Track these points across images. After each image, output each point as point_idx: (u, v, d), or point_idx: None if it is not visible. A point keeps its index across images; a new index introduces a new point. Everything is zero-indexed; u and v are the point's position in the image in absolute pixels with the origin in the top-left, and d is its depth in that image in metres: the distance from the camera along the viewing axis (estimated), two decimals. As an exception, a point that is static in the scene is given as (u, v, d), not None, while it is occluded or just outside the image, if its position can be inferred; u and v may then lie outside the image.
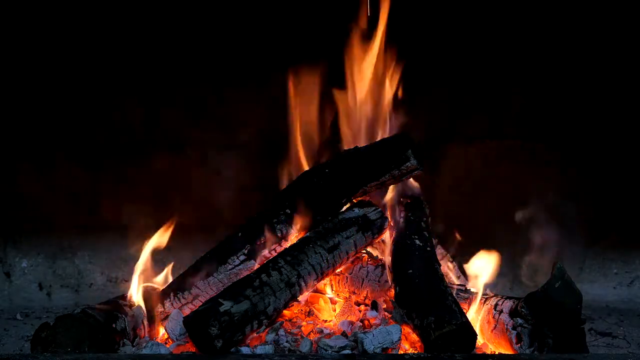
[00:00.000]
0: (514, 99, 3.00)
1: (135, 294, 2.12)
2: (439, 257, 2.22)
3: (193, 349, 1.89)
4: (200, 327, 1.80)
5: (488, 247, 2.31)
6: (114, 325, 1.95)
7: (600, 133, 3.02)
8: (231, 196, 2.90)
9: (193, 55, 2.94)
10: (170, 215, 2.34)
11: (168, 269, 2.29)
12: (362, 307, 2.19)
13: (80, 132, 2.98)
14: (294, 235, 2.19)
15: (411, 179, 2.36)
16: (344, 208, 2.22)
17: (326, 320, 2.14)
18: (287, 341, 1.93)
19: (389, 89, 2.43)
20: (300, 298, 2.08)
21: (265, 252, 2.17)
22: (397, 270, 2.09)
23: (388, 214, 2.31)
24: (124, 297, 2.14)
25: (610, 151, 3.03)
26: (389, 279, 2.15)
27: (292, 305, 2.08)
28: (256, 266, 2.12)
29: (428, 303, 1.87)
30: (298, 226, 2.18)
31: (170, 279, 2.26)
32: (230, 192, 2.92)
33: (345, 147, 2.37)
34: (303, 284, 2.00)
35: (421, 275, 2.00)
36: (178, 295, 2.15)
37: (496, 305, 2.00)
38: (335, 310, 2.19)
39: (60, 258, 3.03)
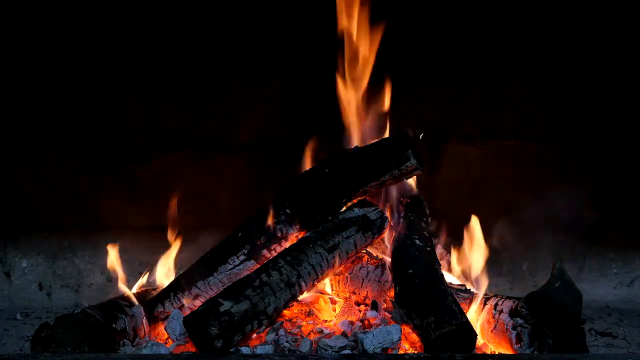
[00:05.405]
0: (514, 99, 3.00)
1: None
2: (439, 257, 2.22)
3: (193, 349, 1.89)
4: (200, 327, 1.80)
5: (488, 247, 2.31)
6: (114, 325, 1.95)
7: (600, 133, 3.02)
8: (231, 196, 2.90)
9: (193, 56, 2.94)
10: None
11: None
12: (362, 307, 2.19)
13: (80, 131, 2.98)
14: (294, 235, 2.19)
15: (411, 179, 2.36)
16: (344, 208, 2.22)
17: (326, 320, 2.14)
18: (287, 341, 1.93)
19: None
20: (300, 298, 2.08)
21: (265, 252, 2.17)
22: (397, 270, 2.09)
23: (388, 214, 2.31)
24: (124, 297, 2.14)
25: (610, 151, 3.03)
26: (389, 278, 2.15)
27: (292, 305, 2.08)
28: (256, 266, 2.12)
29: (428, 303, 1.87)
30: (298, 226, 2.18)
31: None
32: (230, 191, 2.92)
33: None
34: (303, 283, 2.00)
35: (421, 275, 2.00)
36: (178, 295, 2.16)
37: (496, 305, 2.00)
38: (335, 310, 2.19)
39: (60, 258, 3.04)
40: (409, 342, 1.94)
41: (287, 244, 2.17)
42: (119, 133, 2.99)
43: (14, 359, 1.76)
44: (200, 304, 2.00)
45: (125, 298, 2.13)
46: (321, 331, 2.01)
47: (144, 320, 2.10)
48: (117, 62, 2.93)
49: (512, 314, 1.91)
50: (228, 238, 2.24)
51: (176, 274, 2.33)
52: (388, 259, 2.22)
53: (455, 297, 1.93)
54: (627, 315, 2.83)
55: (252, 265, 2.14)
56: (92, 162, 2.99)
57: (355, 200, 2.24)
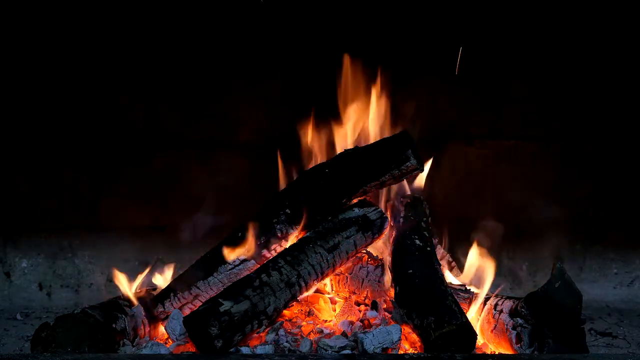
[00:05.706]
0: (514, 99, 3.00)
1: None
2: (439, 257, 2.21)
3: (193, 349, 1.89)
4: (200, 327, 1.80)
5: (488, 247, 2.31)
6: (114, 325, 1.95)
7: (601, 133, 3.02)
8: (231, 196, 2.89)
9: (193, 56, 2.94)
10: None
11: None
12: (362, 307, 2.19)
13: (80, 132, 2.98)
14: (294, 235, 2.19)
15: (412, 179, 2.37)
16: (344, 208, 2.22)
17: (326, 320, 2.14)
18: (287, 341, 1.93)
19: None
20: (300, 297, 2.08)
21: (265, 252, 2.17)
22: (397, 270, 2.09)
23: (388, 214, 2.31)
24: (123, 297, 2.14)
25: (611, 151, 3.03)
26: (389, 279, 2.15)
27: (292, 305, 2.08)
28: (256, 266, 2.12)
29: (428, 303, 1.87)
30: (298, 226, 2.18)
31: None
32: (230, 191, 2.91)
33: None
34: (303, 283, 2.00)
35: (421, 275, 2.00)
36: (178, 295, 2.15)
37: (496, 305, 2.00)
38: (335, 310, 2.19)
39: (60, 258, 3.03)
40: (409, 342, 1.94)
41: (287, 244, 2.17)
42: (119, 133, 2.99)
43: (14, 359, 1.76)
44: (200, 304, 2.00)
45: (125, 298, 2.13)
46: (321, 331, 2.01)
47: (144, 320, 2.10)
48: (117, 62, 2.93)
49: (512, 314, 1.91)
50: (228, 238, 2.24)
51: (176, 273, 2.32)
52: (388, 259, 2.22)
53: (455, 297, 1.93)
54: (627, 315, 2.83)
55: (252, 265, 2.14)
56: (92, 162, 2.99)
57: (355, 200, 2.24)
